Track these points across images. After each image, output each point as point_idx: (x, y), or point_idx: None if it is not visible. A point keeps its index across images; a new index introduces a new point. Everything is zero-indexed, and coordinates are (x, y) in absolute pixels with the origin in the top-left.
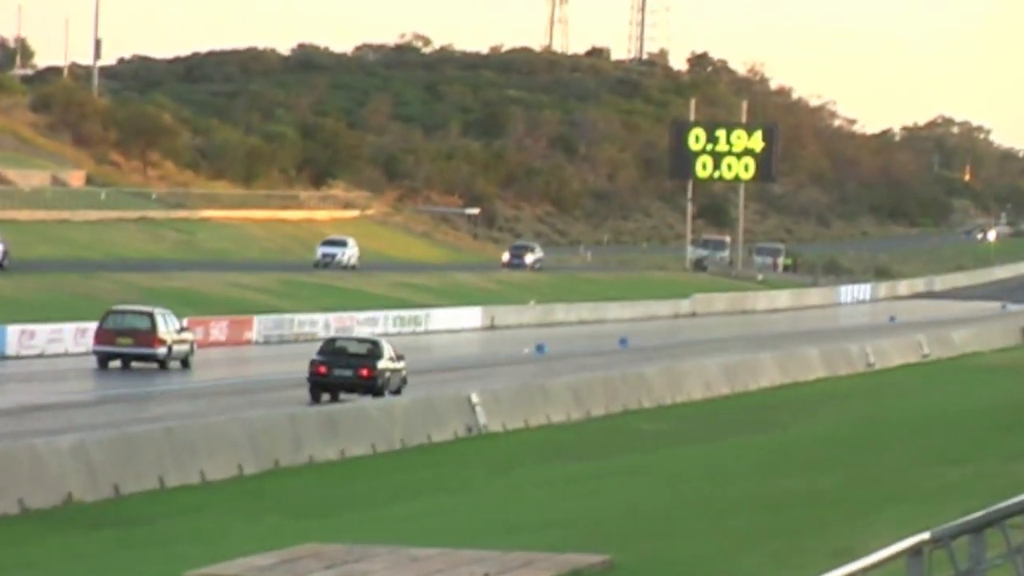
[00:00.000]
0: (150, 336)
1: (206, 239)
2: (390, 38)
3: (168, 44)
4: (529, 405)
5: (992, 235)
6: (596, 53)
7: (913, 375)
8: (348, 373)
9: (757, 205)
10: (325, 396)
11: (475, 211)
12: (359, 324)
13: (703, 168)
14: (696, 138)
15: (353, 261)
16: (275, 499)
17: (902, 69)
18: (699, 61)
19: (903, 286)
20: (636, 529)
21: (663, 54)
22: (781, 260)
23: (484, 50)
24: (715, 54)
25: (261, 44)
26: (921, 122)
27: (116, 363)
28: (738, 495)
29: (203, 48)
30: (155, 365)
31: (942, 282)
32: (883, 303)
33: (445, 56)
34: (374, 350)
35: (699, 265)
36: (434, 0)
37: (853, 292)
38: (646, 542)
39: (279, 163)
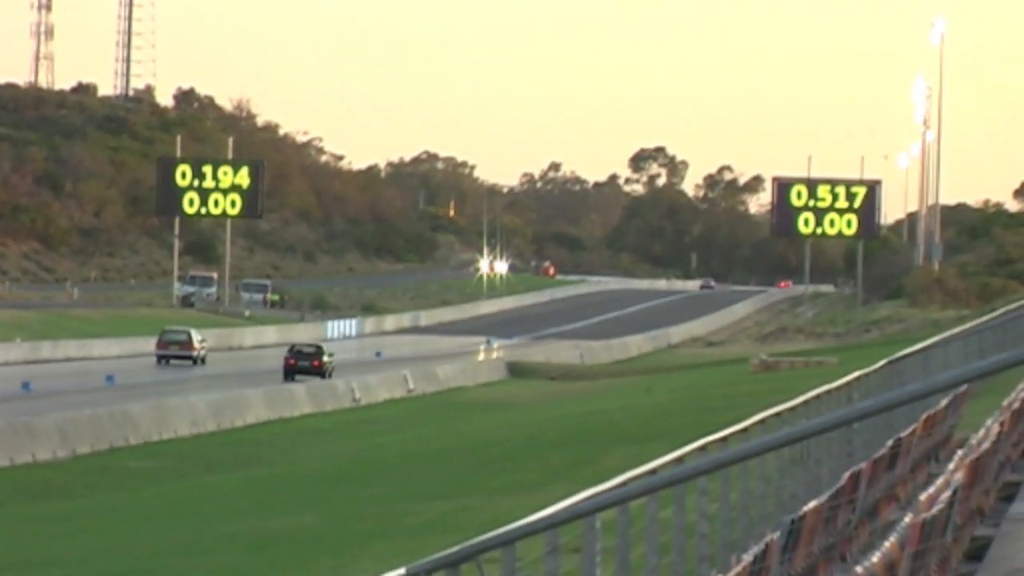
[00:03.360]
0: (189, 344)
1: None
2: None
3: None
4: (14, 443)
5: (505, 267)
6: (83, 90)
7: (399, 410)
8: (307, 363)
9: (244, 241)
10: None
11: None
12: None
13: (190, 204)
14: (183, 175)
15: None
16: None
17: (387, 105)
18: (186, 97)
19: (390, 321)
20: (123, 568)
21: (150, 90)
22: (268, 296)
23: None
24: (202, 90)
25: None
26: (407, 158)
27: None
28: (225, 532)
29: None
30: (190, 361)
31: (428, 317)
32: (370, 339)
33: None
34: (319, 350)
35: (187, 301)
36: None
37: (340, 328)
38: None
39: None
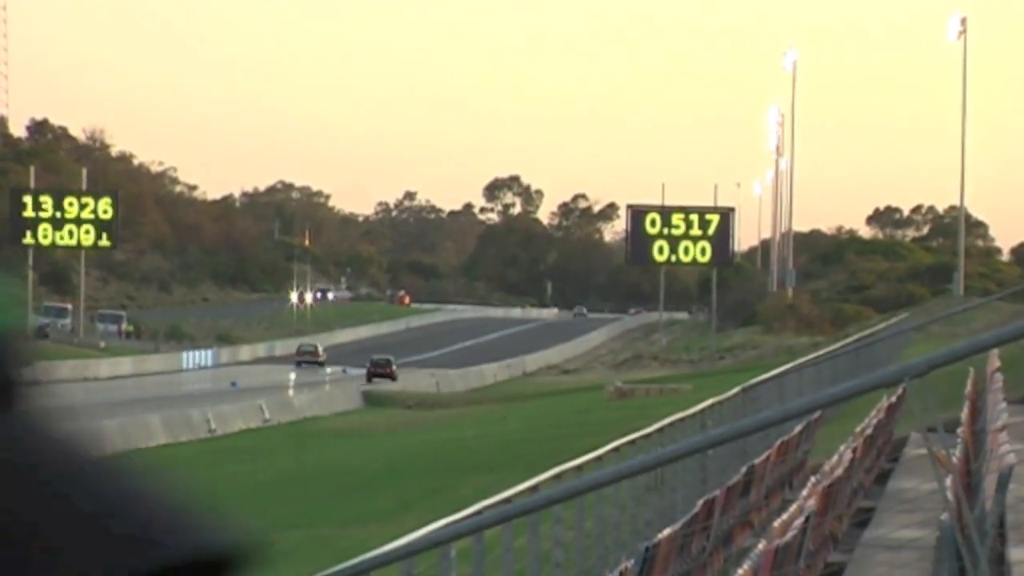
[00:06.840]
0: (316, 353)
1: None
2: None
3: None
4: None
5: (331, 295)
6: None
7: (255, 440)
8: (382, 371)
9: (99, 272)
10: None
11: None
12: None
13: (44, 235)
14: (36, 205)
15: None
16: None
17: (241, 135)
18: (39, 128)
19: (245, 351)
20: None
21: (2, 121)
22: (124, 326)
23: None
24: (55, 121)
25: None
26: (262, 187)
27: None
28: None
29: None
30: (317, 365)
31: (283, 347)
32: (225, 368)
33: None
34: (390, 360)
35: (41, 332)
36: None
37: (195, 358)
38: None
39: None
